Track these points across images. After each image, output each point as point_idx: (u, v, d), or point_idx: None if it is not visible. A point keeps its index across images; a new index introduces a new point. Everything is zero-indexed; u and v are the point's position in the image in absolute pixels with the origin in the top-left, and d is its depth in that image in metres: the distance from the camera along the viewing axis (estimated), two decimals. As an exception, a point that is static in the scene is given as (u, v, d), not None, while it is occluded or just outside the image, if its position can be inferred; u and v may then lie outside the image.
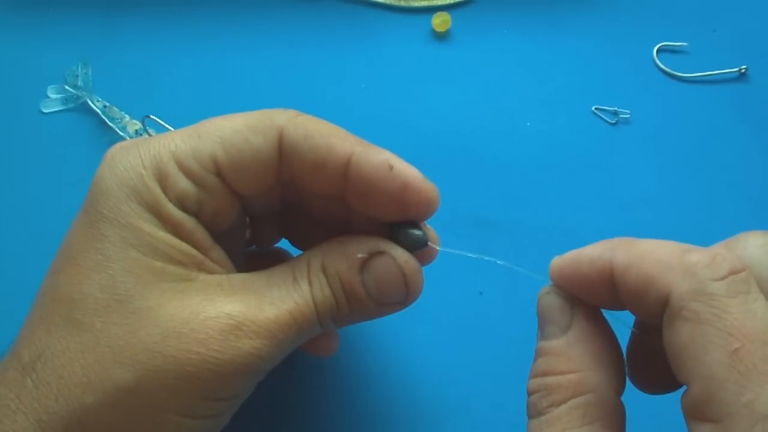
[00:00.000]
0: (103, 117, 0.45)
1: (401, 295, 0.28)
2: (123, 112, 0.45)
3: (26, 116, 0.46)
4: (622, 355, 0.26)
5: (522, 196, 0.43)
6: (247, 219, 0.33)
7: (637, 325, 0.27)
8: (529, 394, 0.25)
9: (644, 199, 0.44)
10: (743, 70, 0.48)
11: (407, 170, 0.27)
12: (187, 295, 0.26)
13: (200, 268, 0.27)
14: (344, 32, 0.50)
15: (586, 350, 0.25)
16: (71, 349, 0.24)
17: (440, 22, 0.49)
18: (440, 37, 0.50)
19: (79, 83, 0.46)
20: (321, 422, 0.36)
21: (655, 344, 0.24)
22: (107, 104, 0.45)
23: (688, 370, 0.21)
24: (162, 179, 0.26)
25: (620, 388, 0.25)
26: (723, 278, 0.21)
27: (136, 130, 0.44)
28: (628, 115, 0.47)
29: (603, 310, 0.26)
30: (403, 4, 0.51)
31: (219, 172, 0.27)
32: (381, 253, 0.27)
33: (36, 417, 0.24)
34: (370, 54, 0.49)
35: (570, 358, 0.24)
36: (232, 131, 0.27)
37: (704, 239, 0.42)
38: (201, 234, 0.27)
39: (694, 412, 0.21)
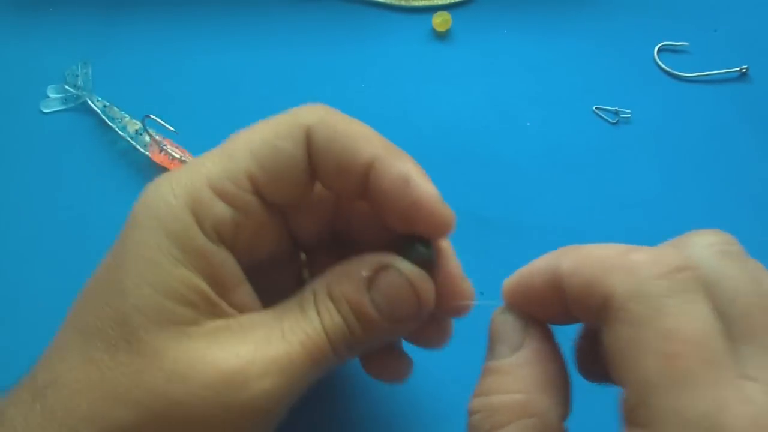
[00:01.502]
0: (103, 117, 0.45)
1: (413, 308, 0.26)
2: (123, 112, 0.45)
3: (26, 116, 0.46)
4: (569, 381, 0.24)
5: (522, 196, 0.43)
6: (303, 255, 0.31)
7: (585, 335, 0.26)
8: (471, 413, 0.24)
9: (645, 198, 0.44)
10: (744, 70, 0.48)
11: (423, 188, 0.25)
12: (194, 339, 0.25)
13: (213, 311, 0.26)
14: (344, 32, 0.50)
15: (535, 373, 0.24)
16: (80, 382, 0.24)
17: (441, 21, 0.49)
18: (441, 36, 0.50)
19: (79, 83, 0.46)
20: (321, 422, 0.36)
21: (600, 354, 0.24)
22: (107, 104, 0.45)
23: (623, 373, 0.20)
24: (195, 207, 0.25)
25: (565, 415, 0.24)
26: (664, 277, 0.20)
27: (136, 130, 0.44)
28: (629, 115, 0.47)
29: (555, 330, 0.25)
30: (403, 3, 0.51)
31: (256, 189, 0.26)
32: (386, 268, 0.26)
33: None
34: (371, 54, 0.49)
35: (518, 378, 0.24)
36: (262, 142, 0.26)
37: (705, 239, 0.42)
38: (230, 269, 0.26)
39: (628, 416, 0.20)
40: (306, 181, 0.27)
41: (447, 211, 0.26)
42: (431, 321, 0.30)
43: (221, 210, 0.26)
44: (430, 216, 0.26)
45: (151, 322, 0.24)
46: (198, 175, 0.26)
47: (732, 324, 0.21)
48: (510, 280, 0.25)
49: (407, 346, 0.31)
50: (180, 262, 0.25)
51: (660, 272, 0.20)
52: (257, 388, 0.24)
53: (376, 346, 0.28)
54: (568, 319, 0.24)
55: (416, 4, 0.51)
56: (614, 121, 0.47)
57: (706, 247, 0.22)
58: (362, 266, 0.26)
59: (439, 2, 0.51)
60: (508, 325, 0.25)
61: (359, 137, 0.26)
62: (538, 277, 0.24)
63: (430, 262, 0.27)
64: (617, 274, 0.21)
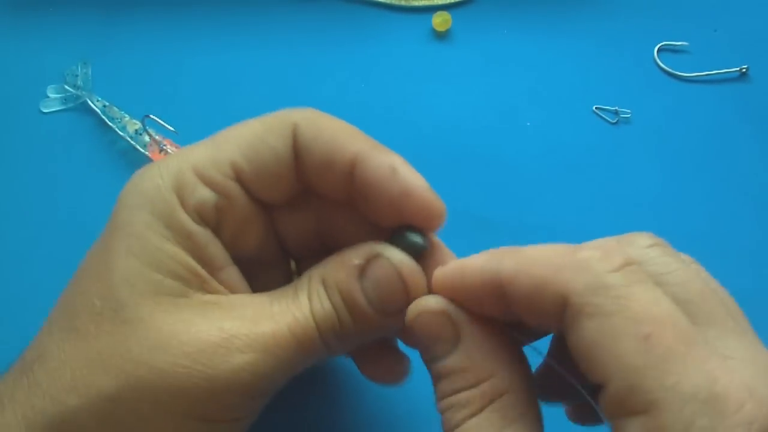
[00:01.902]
0: (103, 117, 0.45)
1: (401, 299, 0.26)
2: (123, 112, 0.45)
3: (26, 116, 0.46)
4: (522, 349, 0.25)
5: (522, 196, 0.43)
6: (293, 264, 0.31)
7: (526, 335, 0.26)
8: (441, 413, 0.24)
9: (645, 198, 0.44)
10: (744, 70, 0.48)
11: (411, 177, 0.26)
12: (181, 309, 0.25)
13: (202, 286, 0.26)
14: (344, 32, 0.50)
15: (487, 355, 0.23)
16: (65, 353, 0.25)
17: (440, 21, 0.49)
18: (440, 36, 0.50)
19: (79, 83, 0.46)
20: (320, 423, 0.36)
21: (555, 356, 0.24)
22: (107, 104, 0.45)
23: (602, 366, 0.20)
24: (180, 189, 0.26)
25: (531, 380, 0.24)
26: (618, 270, 0.21)
27: (136, 130, 0.44)
28: (629, 115, 0.47)
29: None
30: (403, 3, 0.51)
31: (239, 177, 0.27)
32: (377, 256, 0.26)
33: (23, 414, 0.24)
34: (371, 54, 0.49)
35: (474, 369, 0.23)
36: (249, 135, 0.27)
37: (705, 239, 0.42)
38: (214, 250, 0.27)
39: (619, 409, 0.20)
40: (290, 177, 0.27)
41: (437, 199, 0.26)
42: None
43: (203, 193, 0.26)
44: (420, 205, 0.25)
45: (138, 293, 0.25)
46: (185, 160, 0.27)
47: (690, 310, 0.21)
48: (442, 272, 0.25)
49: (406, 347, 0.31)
50: (167, 239, 0.26)
51: (612, 266, 0.21)
52: (240, 360, 0.24)
53: (367, 341, 0.28)
54: (502, 316, 0.24)
55: (416, 3, 0.51)
56: (614, 121, 0.47)
57: (645, 246, 0.23)
58: (355, 255, 0.26)
59: (439, 2, 0.51)
60: (435, 323, 0.24)
61: (344, 134, 0.26)
62: (473, 275, 0.23)
63: (422, 252, 0.26)
64: (570, 273, 0.21)
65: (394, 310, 0.26)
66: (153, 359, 0.24)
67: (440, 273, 0.25)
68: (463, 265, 0.24)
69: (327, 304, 0.26)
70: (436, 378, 0.24)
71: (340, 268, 0.26)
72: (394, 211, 0.26)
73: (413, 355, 0.31)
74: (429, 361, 0.25)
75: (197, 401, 0.24)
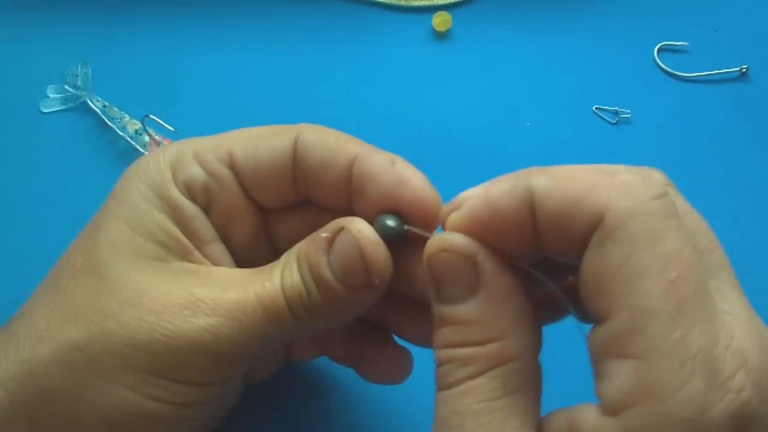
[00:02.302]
0: (103, 117, 0.45)
1: (361, 272, 0.25)
2: (123, 112, 0.45)
3: (26, 116, 0.46)
4: (535, 309, 0.22)
5: (522, 196, 0.43)
6: None
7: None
8: (439, 364, 0.22)
9: (645, 198, 0.44)
10: (744, 70, 0.48)
11: (409, 169, 0.26)
12: (158, 272, 0.26)
13: (184, 256, 0.27)
14: (344, 32, 0.50)
15: (504, 313, 0.21)
16: (43, 306, 0.26)
17: (440, 21, 0.49)
18: (440, 36, 0.50)
19: (79, 83, 0.46)
20: (320, 424, 0.36)
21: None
22: (107, 104, 0.45)
23: (613, 298, 0.19)
24: (175, 165, 0.27)
25: (539, 349, 0.22)
26: (659, 198, 0.19)
27: (136, 130, 0.44)
28: (629, 115, 0.47)
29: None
30: (403, 3, 0.51)
31: (233, 165, 0.28)
32: (342, 229, 0.25)
33: None
34: (371, 54, 0.49)
35: (487, 325, 0.21)
36: (254, 133, 0.28)
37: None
38: (201, 224, 0.28)
39: (612, 348, 0.19)
40: (285, 179, 0.28)
41: (432, 190, 0.26)
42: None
43: (195, 171, 0.27)
44: (415, 194, 0.25)
45: (119, 253, 0.26)
46: (188, 144, 0.28)
47: (701, 258, 0.20)
48: (469, 208, 0.22)
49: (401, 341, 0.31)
50: (155, 207, 0.27)
51: (656, 192, 0.19)
52: (203, 322, 0.25)
53: (340, 319, 0.27)
54: (531, 250, 0.22)
55: (416, 4, 0.51)
56: (614, 121, 0.47)
57: (664, 183, 0.21)
58: (324, 228, 0.26)
59: (439, 2, 0.51)
60: (456, 264, 0.22)
61: (344, 138, 0.27)
62: (503, 201, 0.21)
63: (397, 237, 0.26)
64: (611, 192, 0.20)
65: (357, 284, 0.25)
66: (121, 313, 0.25)
67: (468, 209, 0.22)
68: (488, 190, 0.22)
69: (296, 276, 0.26)
70: (441, 322, 0.22)
71: (311, 242, 0.26)
72: (390, 201, 0.26)
73: (415, 353, 0.31)
74: (438, 301, 0.23)
75: (158, 357, 0.24)
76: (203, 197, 0.28)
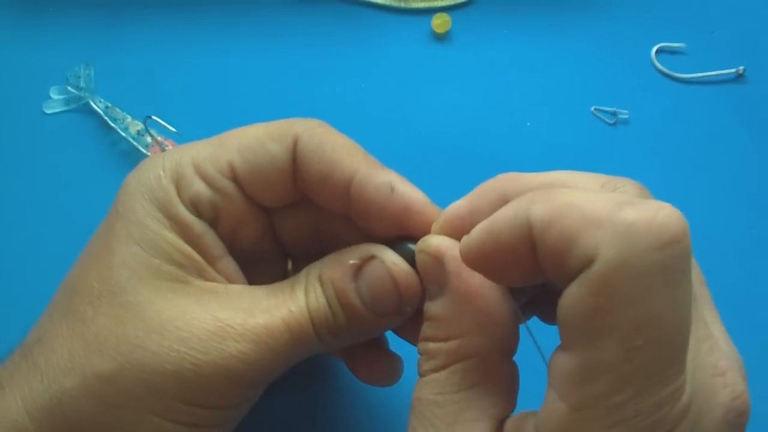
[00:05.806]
0: (105, 118, 0.45)
1: (394, 301, 0.26)
2: (125, 113, 0.45)
3: (29, 117, 0.46)
4: (513, 310, 0.23)
5: (521, 196, 0.44)
6: (290, 263, 0.32)
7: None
8: (419, 354, 0.24)
9: (643, 199, 0.44)
10: (741, 71, 0.49)
11: (410, 192, 0.26)
12: (179, 295, 0.26)
13: (200, 274, 0.27)
14: (344, 33, 0.50)
15: (465, 312, 0.23)
16: (63, 335, 0.25)
17: (440, 23, 0.50)
18: (440, 38, 0.50)
19: (82, 84, 0.46)
20: (320, 423, 0.36)
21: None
22: (109, 105, 0.45)
23: (575, 340, 0.19)
24: (178, 181, 0.27)
25: (509, 348, 0.23)
26: (660, 249, 0.17)
27: (138, 131, 0.44)
28: (627, 116, 0.47)
29: None
30: (403, 5, 0.51)
31: (235, 177, 0.27)
32: (373, 258, 0.26)
33: (21, 395, 0.24)
34: (370, 55, 0.49)
35: (448, 323, 0.23)
36: (251, 138, 0.27)
37: (704, 239, 0.42)
38: (211, 240, 0.27)
39: (557, 381, 0.19)
40: (286, 184, 0.28)
41: (437, 210, 0.26)
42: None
43: (200, 187, 0.27)
44: (422, 219, 0.26)
45: (136, 277, 0.25)
46: (186, 154, 0.27)
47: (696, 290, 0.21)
48: (471, 239, 0.22)
49: (402, 347, 0.31)
50: (165, 226, 0.26)
51: (660, 242, 0.17)
52: (233, 349, 0.25)
53: (362, 338, 0.28)
54: (534, 277, 0.21)
55: (416, 5, 0.51)
56: (612, 122, 0.47)
57: (677, 228, 0.18)
58: (352, 254, 0.27)
59: (439, 4, 0.51)
60: (429, 264, 0.24)
61: (343, 151, 0.27)
62: (503, 235, 0.20)
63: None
64: (606, 235, 0.18)
65: (386, 311, 0.26)
66: (148, 343, 0.24)
67: (469, 241, 0.22)
68: (493, 222, 0.21)
69: (322, 300, 0.26)
70: (424, 315, 0.25)
71: (336, 266, 0.27)
72: (396, 226, 0.26)
73: (405, 356, 0.31)
74: (426, 298, 0.25)
75: (187, 385, 0.24)
76: (210, 213, 0.27)
